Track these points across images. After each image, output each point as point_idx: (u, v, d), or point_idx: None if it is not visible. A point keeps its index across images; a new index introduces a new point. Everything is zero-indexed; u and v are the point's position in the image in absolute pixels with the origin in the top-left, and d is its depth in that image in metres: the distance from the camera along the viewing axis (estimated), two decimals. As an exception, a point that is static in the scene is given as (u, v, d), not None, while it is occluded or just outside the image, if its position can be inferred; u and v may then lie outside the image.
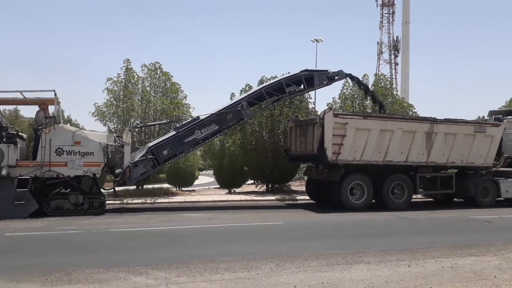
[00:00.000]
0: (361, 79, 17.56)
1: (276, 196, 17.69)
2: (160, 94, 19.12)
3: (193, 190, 22.17)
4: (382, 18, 52.02)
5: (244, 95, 14.68)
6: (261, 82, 20.77)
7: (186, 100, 19.76)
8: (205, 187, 27.19)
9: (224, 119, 13.79)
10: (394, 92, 21.64)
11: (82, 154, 11.88)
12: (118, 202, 14.79)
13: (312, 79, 14.85)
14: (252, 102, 14.30)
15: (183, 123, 13.80)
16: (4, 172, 11.11)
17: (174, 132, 13.42)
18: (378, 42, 52.41)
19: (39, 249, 7.61)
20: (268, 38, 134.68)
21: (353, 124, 13.65)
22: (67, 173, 11.71)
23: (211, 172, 36.33)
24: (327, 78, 15.27)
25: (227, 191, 21.21)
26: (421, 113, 20.92)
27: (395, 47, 50.34)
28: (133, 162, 12.56)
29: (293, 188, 21.24)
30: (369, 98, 18.54)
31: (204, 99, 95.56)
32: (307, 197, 16.94)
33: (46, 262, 6.58)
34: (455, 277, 5.91)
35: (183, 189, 22.60)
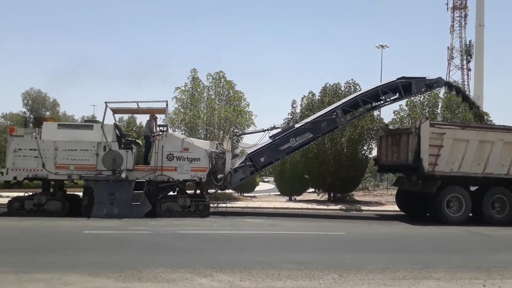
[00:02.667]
0: (464, 91, 16.65)
1: (340, 206, 17.47)
2: (224, 102, 19.56)
3: (254, 196, 22.31)
4: (453, 21, 48.45)
5: (338, 103, 14.94)
6: (324, 89, 20.47)
7: (248, 107, 19.98)
8: (266, 193, 27.24)
9: (318, 127, 14.09)
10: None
11: (190, 160, 12.69)
12: (216, 205, 15.03)
13: (409, 86, 14.73)
14: (346, 110, 14.50)
15: (279, 131, 14.24)
16: (124, 175, 12.16)
17: (270, 140, 13.91)
18: (448, 47, 48.71)
19: (112, 247, 8.12)
20: (331, 44, 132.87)
21: (450, 135, 13.24)
22: (176, 177, 12.58)
23: (271, 178, 36.33)
24: (425, 85, 15.07)
25: (287, 198, 21.13)
26: (497, 122, 19.11)
27: (467, 52, 46.54)
28: (234, 168, 13.29)
29: (356, 198, 20.63)
30: (471, 108, 17.59)
31: (266, 106, 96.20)
32: (373, 208, 16.63)
33: (119, 260, 6.99)
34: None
35: (244, 194, 22.79)
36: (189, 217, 12.16)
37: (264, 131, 15.07)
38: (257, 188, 27.36)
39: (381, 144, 15.28)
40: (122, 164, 12.23)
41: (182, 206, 12.55)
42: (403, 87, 14.53)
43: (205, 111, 19.19)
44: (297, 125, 14.18)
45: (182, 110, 19.13)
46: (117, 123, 13.29)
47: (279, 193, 24.35)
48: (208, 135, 18.46)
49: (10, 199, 12.52)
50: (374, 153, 18.86)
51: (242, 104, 20.01)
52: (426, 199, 13.53)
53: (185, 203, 12.58)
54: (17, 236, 8.99)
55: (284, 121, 21.04)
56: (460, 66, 48.44)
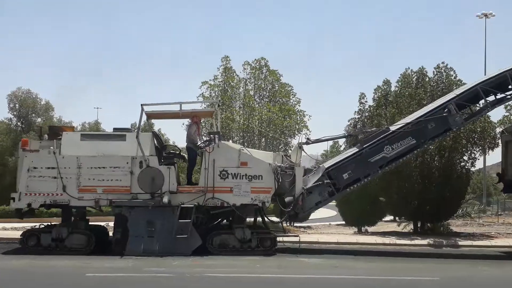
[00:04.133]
0: None
1: (428, 240, 17.35)
2: (267, 100, 19.87)
3: (309, 227, 22.42)
4: None
5: (451, 95, 14.82)
6: (404, 77, 20.27)
7: (299, 106, 20.13)
8: (325, 222, 27.26)
9: (423, 129, 14.01)
10: None
11: (249, 177, 12.95)
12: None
13: None
14: (461, 105, 14.45)
15: (367, 137, 14.31)
16: (166, 199, 12.52)
17: (356, 149, 14.06)
18: None
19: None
20: (408, 18, 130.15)
21: None
22: (232, 201, 12.88)
23: (332, 203, 36.07)
24: None
25: (355, 229, 21.16)
26: None
27: None
28: (307, 189, 13.35)
29: (454, 228, 20.29)
30: None
31: (319, 104, 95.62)
32: (478, 242, 16.70)
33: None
34: None
35: (295, 224, 22.81)
36: (249, 255, 12.57)
37: (345, 136, 15.42)
38: (313, 216, 27.31)
39: (508, 152, 15.28)
40: (164, 185, 12.66)
41: (241, 240, 12.89)
42: None
43: (241, 111, 19.60)
44: (392, 128, 14.21)
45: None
46: (156, 132, 13.98)
47: (343, 222, 24.20)
48: (246, 143, 18.78)
49: (22, 232, 13.32)
50: (478, 164, 18.34)
51: (291, 101, 20.24)
52: None
53: (244, 236, 12.90)
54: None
55: (349, 122, 21.12)
56: None
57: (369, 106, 20.74)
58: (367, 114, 20.51)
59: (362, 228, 21.07)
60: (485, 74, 41.56)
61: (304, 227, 22.48)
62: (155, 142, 13.27)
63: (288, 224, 22.22)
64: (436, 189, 18.58)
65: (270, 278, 10.07)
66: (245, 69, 20.54)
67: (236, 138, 19.08)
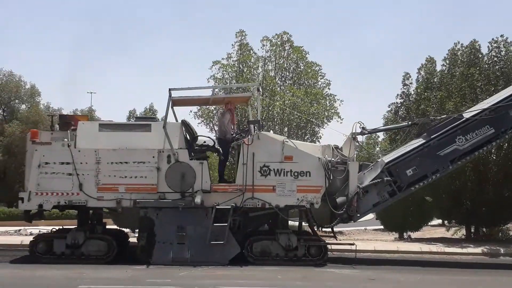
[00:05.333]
0: None
1: (483, 248, 17.45)
2: (290, 82, 19.80)
3: (340, 232, 22.48)
4: None
5: None
6: (453, 53, 20.07)
7: (329, 89, 20.02)
8: (360, 227, 27.20)
9: (504, 116, 13.98)
10: None
11: (295, 174, 13.10)
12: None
13: None
14: None
15: (434, 126, 14.42)
16: (198, 199, 12.72)
17: (421, 141, 14.13)
18: None
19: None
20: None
21: None
22: (275, 201, 13.07)
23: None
24: None
25: (396, 235, 21.03)
26: None
27: None
28: (363, 187, 13.51)
29: (514, 234, 20.13)
30: None
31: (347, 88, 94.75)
32: None
33: None
34: None
35: (323, 229, 22.77)
36: (296, 265, 12.80)
37: (409, 126, 15.27)
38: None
39: None
40: (195, 183, 12.85)
41: (285, 248, 13.08)
42: None
43: (261, 96, 19.50)
44: (466, 115, 14.24)
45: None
46: (186, 121, 14.10)
47: (381, 226, 24.12)
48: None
49: (33, 238, 13.55)
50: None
51: (319, 83, 20.13)
52: None
53: (289, 243, 13.08)
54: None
55: (390, 108, 20.92)
56: None
57: (416, 88, 20.50)
58: (412, 98, 20.29)
59: (405, 234, 21.19)
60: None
61: (335, 233, 22.44)
62: (185, 133, 13.52)
63: (317, 229, 22.26)
64: (493, 188, 18.71)
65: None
66: (264, 45, 20.60)
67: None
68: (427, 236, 21.04)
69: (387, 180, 13.55)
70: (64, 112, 32.01)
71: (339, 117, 20.39)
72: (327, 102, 19.81)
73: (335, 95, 20.51)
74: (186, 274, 11.57)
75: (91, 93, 60.48)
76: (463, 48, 20.44)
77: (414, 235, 21.28)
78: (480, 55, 20.02)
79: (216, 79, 19.79)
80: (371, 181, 13.62)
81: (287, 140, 13.51)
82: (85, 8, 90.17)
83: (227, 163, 14.41)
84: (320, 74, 20.29)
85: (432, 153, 13.78)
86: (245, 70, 19.86)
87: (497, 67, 19.49)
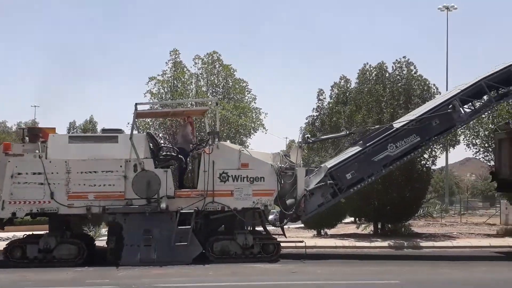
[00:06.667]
0: None
1: (388, 242, 18.26)
2: (221, 96, 20.14)
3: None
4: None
5: (455, 91, 15.65)
6: (363, 73, 20.83)
7: (255, 103, 20.57)
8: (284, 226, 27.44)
9: (427, 126, 14.78)
10: None
11: (251, 180, 13.51)
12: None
13: None
14: (465, 101, 15.38)
15: (369, 135, 15.17)
16: (163, 204, 12.94)
17: (358, 148, 14.73)
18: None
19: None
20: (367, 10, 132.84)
21: None
22: (233, 204, 13.46)
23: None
24: None
25: (315, 232, 21.68)
26: None
27: None
28: (309, 190, 14.04)
29: (416, 229, 21.30)
30: None
31: (274, 102, 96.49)
32: (439, 243, 17.76)
33: None
34: None
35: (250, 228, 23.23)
36: (252, 263, 13.19)
37: (347, 135, 16.20)
38: (270, 217, 27.58)
39: (502, 150, 16.31)
40: (161, 190, 13.08)
41: (243, 247, 13.46)
42: None
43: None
44: (396, 125, 15.03)
45: (160, 109, 19.73)
46: (151, 132, 14.50)
47: (302, 225, 24.73)
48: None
49: (6, 244, 13.37)
50: (440, 162, 19.20)
51: (246, 98, 20.59)
52: None
53: (246, 242, 13.45)
54: None
55: (307, 120, 21.53)
56: None
57: (328, 103, 21.29)
58: (325, 112, 21.06)
59: (322, 231, 21.56)
60: (446, 69, 43.23)
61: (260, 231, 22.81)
62: (150, 143, 13.73)
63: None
64: (396, 188, 19.37)
65: (221, 286, 10.58)
66: (196, 63, 20.77)
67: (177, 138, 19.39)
68: (341, 232, 21.65)
69: (330, 183, 14.12)
70: (9, 124, 30.97)
71: (264, 128, 21.04)
72: (254, 115, 20.33)
73: (261, 108, 21.06)
74: (124, 274, 11.73)
75: (35, 106, 58.24)
76: (371, 68, 21.35)
77: (330, 231, 21.81)
78: (387, 74, 20.90)
79: (152, 93, 19.94)
80: (316, 184, 14.15)
81: (243, 149, 14.06)
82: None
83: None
84: (247, 89, 20.83)
85: (367, 159, 14.45)
86: (179, 86, 20.08)
87: (399, 84, 20.50)
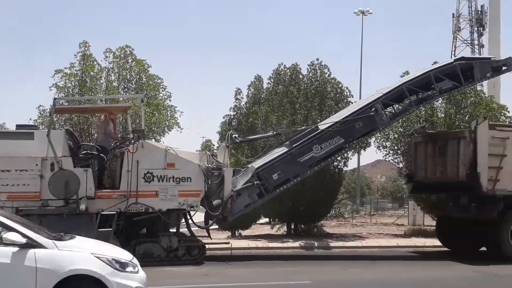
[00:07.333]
0: None
1: (300, 242, 18.47)
2: (133, 92, 19.55)
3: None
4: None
5: (378, 95, 15.99)
6: (277, 74, 20.98)
7: (170, 100, 20.16)
8: (194, 228, 27.32)
9: (351, 128, 15.14)
10: (479, 88, 21.68)
11: (177, 180, 13.22)
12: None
13: (470, 70, 16.36)
14: (387, 104, 15.86)
15: (295, 136, 15.25)
16: (83, 206, 12.39)
17: (285, 149, 14.79)
18: (454, 14, 51.88)
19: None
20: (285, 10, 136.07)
21: None
22: (158, 205, 13.07)
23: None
24: (491, 69, 16.72)
25: (229, 234, 21.48)
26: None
27: (478, 21, 49.82)
28: (236, 191, 13.92)
29: (328, 229, 21.64)
30: None
31: (193, 100, 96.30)
32: (349, 243, 18.21)
33: None
34: None
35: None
36: (176, 265, 12.86)
37: (274, 135, 16.25)
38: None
39: (417, 153, 17.01)
40: (80, 190, 12.51)
41: (167, 249, 13.19)
42: (463, 72, 16.08)
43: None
44: (321, 126, 15.28)
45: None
46: (70, 129, 13.82)
47: (216, 226, 24.60)
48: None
49: None
50: (352, 164, 19.77)
51: (161, 95, 20.18)
52: (482, 229, 14.96)
53: (170, 245, 13.20)
54: None
55: (224, 119, 21.45)
56: (469, 41, 51.50)
57: (245, 103, 21.36)
58: (242, 111, 21.12)
59: (236, 232, 21.60)
60: (360, 72, 44.92)
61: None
62: (69, 141, 13.13)
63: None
64: (310, 190, 19.50)
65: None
66: (107, 57, 19.96)
67: (96, 135, 18.54)
68: (256, 233, 21.83)
69: (256, 183, 14.14)
70: None
71: (179, 126, 20.67)
72: (168, 113, 19.93)
73: (176, 106, 20.68)
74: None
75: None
76: (285, 69, 21.43)
77: (244, 232, 21.87)
78: (300, 76, 21.19)
79: (58, 87, 18.94)
80: (243, 185, 14.09)
81: (169, 148, 13.57)
82: None
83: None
84: (161, 86, 20.33)
85: (294, 159, 14.59)
86: (88, 80, 19.25)
87: (313, 86, 20.81)
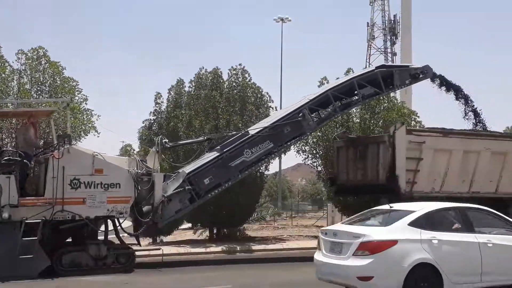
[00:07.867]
0: (454, 83, 19.65)
1: (222, 247, 18.64)
2: (47, 96, 18.88)
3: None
4: (372, -13, 54.18)
5: (305, 101, 16.36)
6: (198, 78, 20.97)
7: (86, 104, 19.61)
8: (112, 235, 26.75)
9: (280, 133, 15.46)
10: (392, 94, 22.78)
11: (106, 186, 12.91)
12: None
13: (390, 77, 17.02)
14: (314, 110, 16.32)
15: (228, 140, 15.26)
16: (5, 214, 11.88)
17: (216, 154, 14.79)
18: (368, 23, 54.15)
19: None
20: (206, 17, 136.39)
21: (431, 144, 15.49)
22: (85, 213, 12.70)
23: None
24: (410, 76, 17.49)
25: (150, 240, 21.16)
26: (427, 124, 22.24)
27: (391, 30, 52.37)
28: (167, 196, 13.71)
29: (250, 233, 21.79)
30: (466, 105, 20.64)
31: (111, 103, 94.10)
32: (271, 246, 18.64)
33: None
34: None
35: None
36: (105, 274, 12.55)
37: (205, 140, 16.25)
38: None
39: (340, 157, 17.56)
40: (2, 198, 11.93)
41: (95, 257, 12.84)
42: (384, 79, 16.84)
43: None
44: (252, 131, 15.49)
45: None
46: None
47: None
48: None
49: None
50: (273, 168, 20.12)
51: (76, 98, 19.58)
52: None
53: (99, 253, 12.87)
54: None
55: (144, 124, 21.18)
56: (383, 49, 53.94)
57: (167, 107, 21.21)
58: (163, 116, 20.97)
59: (157, 237, 21.33)
60: (281, 78, 45.82)
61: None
62: None
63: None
64: (231, 195, 19.40)
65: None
66: (19, 58, 19.13)
67: (7, 140, 17.76)
68: (178, 239, 21.73)
69: (188, 188, 14.09)
70: None
71: (96, 131, 20.16)
72: (84, 117, 19.39)
73: (93, 110, 20.18)
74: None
75: None
76: (207, 73, 21.54)
77: (166, 238, 21.67)
78: (221, 80, 21.32)
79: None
80: (174, 190, 13.99)
81: (97, 153, 13.20)
82: None
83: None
84: (77, 89, 19.76)
85: (225, 164, 14.71)
86: (-2, 83, 18.38)
87: (235, 91, 21.00)
